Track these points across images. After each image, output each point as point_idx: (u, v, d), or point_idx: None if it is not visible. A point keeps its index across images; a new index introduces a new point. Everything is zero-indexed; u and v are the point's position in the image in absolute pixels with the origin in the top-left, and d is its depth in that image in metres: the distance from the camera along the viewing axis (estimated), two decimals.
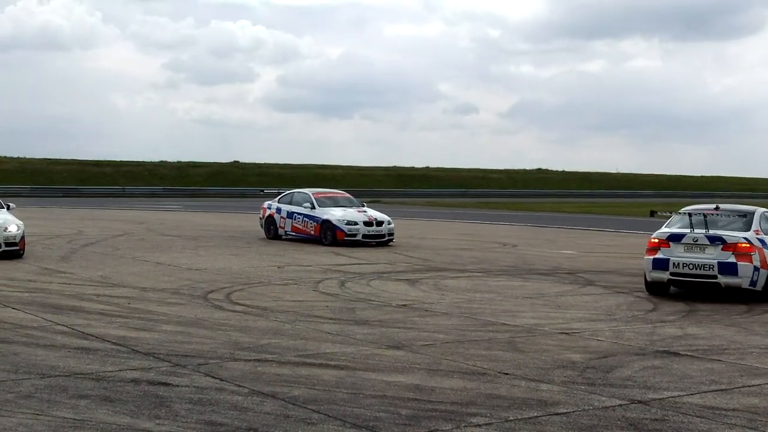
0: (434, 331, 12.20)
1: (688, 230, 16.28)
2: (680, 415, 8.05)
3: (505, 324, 12.96)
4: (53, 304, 13.91)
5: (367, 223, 26.68)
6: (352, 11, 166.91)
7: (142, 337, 11.32)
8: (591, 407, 8.26)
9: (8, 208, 22.42)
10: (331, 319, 13.12)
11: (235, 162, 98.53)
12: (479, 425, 7.57)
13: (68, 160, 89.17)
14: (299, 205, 27.90)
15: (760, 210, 17.03)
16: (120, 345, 10.74)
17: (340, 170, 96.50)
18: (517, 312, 14.20)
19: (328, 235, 26.53)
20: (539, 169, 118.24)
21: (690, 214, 16.64)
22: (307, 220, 27.39)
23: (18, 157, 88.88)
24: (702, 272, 15.85)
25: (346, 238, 26.26)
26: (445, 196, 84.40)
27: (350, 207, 27.82)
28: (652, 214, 20.92)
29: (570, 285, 18.02)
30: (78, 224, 34.27)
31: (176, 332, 11.73)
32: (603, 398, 8.61)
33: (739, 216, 16.85)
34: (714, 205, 17.36)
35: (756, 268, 15.74)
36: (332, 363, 9.97)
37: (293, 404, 8.12)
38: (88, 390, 8.50)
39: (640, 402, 8.49)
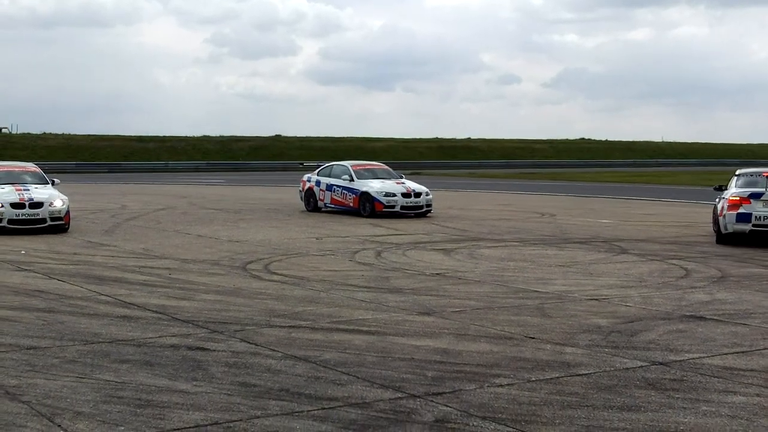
0: (465, 298, 12.49)
1: (764, 189, 19.50)
2: (699, 375, 8.28)
3: (536, 291, 13.21)
4: (97, 276, 14.36)
5: (405, 195, 26.95)
6: None
7: (181, 305, 11.72)
8: (612, 368, 8.51)
9: (53, 183, 22.99)
10: (365, 287, 13.45)
11: (278, 136, 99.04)
12: (501, 385, 7.86)
13: (112, 135, 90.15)
14: (338, 177, 28.24)
15: None
16: (160, 313, 11.14)
17: (381, 143, 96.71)
18: (549, 279, 14.43)
19: (367, 206, 26.85)
20: (583, 139, 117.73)
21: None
22: (345, 192, 27.72)
23: (63, 134, 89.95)
24: None
25: (384, 210, 26.56)
26: (487, 167, 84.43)
27: (388, 179, 28.11)
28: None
29: (605, 253, 18.20)
30: (121, 199, 34.89)
31: (215, 301, 12.12)
32: (625, 360, 8.86)
33: None
34: (766, 168, 20.94)
35: None
36: (364, 329, 10.30)
37: (324, 367, 8.46)
38: (129, 355, 8.89)
39: (661, 363, 8.73)
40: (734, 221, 19.55)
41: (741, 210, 19.44)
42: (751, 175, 20.56)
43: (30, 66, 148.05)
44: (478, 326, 10.51)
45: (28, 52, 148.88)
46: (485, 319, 10.97)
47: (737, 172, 21.28)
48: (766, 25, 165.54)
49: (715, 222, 21.37)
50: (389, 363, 8.64)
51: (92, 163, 74.71)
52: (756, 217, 19.28)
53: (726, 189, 21.06)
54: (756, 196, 19.45)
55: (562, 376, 8.20)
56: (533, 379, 8.12)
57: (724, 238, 19.97)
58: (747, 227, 19.43)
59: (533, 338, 9.88)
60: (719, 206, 20.37)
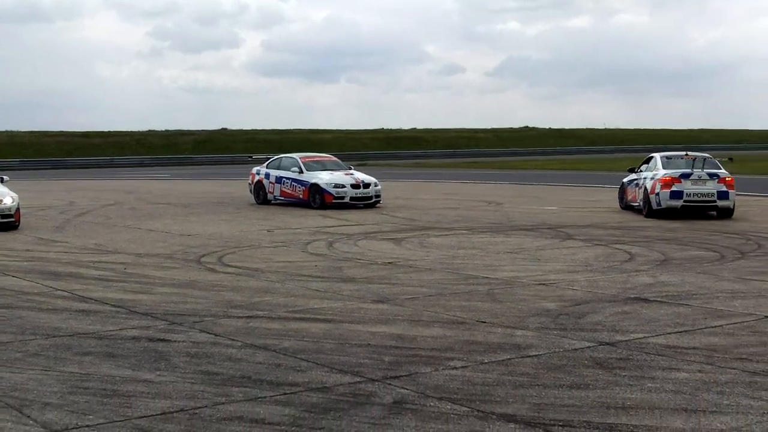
0: (417, 286, 12.79)
1: (691, 170, 22.80)
2: (644, 354, 8.65)
3: (485, 277, 13.55)
4: (52, 272, 14.45)
5: (355, 186, 27.20)
6: None
7: (139, 299, 11.89)
8: (561, 349, 8.85)
9: (2, 180, 22.89)
10: (319, 277, 13.70)
11: (223, 129, 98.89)
12: (456, 368, 8.16)
13: (56, 132, 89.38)
14: (287, 169, 28.40)
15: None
16: (119, 307, 11.31)
17: (327, 134, 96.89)
18: (498, 266, 14.79)
19: (317, 198, 27.07)
20: (526, 127, 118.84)
21: (695, 159, 23.44)
22: (295, 184, 27.91)
23: (6, 131, 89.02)
24: (706, 199, 22.68)
25: (334, 201, 26.80)
26: (433, 157, 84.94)
27: (337, 170, 28.33)
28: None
29: (551, 239, 18.61)
30: (69, 195, 34.75)
31: (172, 294, 12.30)
32: (573, 341, 9.21)
33: (708, 159, 23.73)
34: (684, 153, 24.67)
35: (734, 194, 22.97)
36: (320, 317, 10.55)
37: (284, 354, 8.70)
38: (91, 348, 9.06)
39: (607, 344, 9.09)
40: (668, 198, 22.60)
41: (674, 188, 22.60)
42: (678, 158, 24.11)
43: None
44: (431, 312, 10.81)
45: None
46: (438, 305, 11.28)
47: (662, 155, 24.52)
48: (705, 12, 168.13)
49: (622, 199, 25.83)
50: (347, 349, 8.91)
51: (37, 160, 74.05)
52: (687, 194, 22.53)
53: (639, 171, 24.70)
54: (686, 176, 22.70)
55: (513, 358, 8.52)
56: (486, 361, 8.43)
57: (655, 213, 22.84)
58: (679, 203, 22.60)
59: (484, 322, 10.20)
60: (648, 185, 23.22)
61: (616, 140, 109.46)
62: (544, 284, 12.88)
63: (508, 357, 8.56)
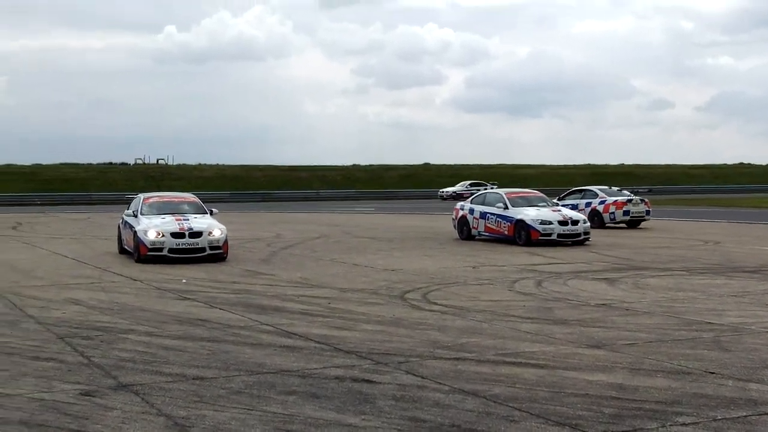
0: (635, 331, 11.96)
1: (632, 197, 34.98)
2: None
3: (709, 323, 12.56)
4: (257, 305, 14.39)
5: (562, 222, 26.35)
6: (539, 9, 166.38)
7: (343, 335, 11.57)
8: None
9: (211, 213, 23.37)
10: (528, 318, 13.05)
11: (426, 164, 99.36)
12: (686, 424, 7.39)
13: (264, 165, 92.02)
14: (492, 205, 27.85)
15: None
16: (323, 343, 11.01)
17: (531, 170, 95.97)
18: (722, 311, 13.74)
19: (522, 234, 26.35)
20: (741, 164, 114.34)
21: (631, 190, 37.39)
22: (500, 220, 27.31)
23: (217, 164, 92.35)
24: (641, 215, 34.68)
25: (540, 238, 26.03)
26: (642, 194, 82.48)
27: (544, 206, 27.57)
28: None
29: None
30: (275, 228, 35.32)
31: (376, 331, 11.93)
32: None
33: (630, 190, 37.02)
34: (618, 188, 37.43)
35: None
36: (532, 362, 9.92)
37: (494, 402, 8.13)
38: (294, 386, 8.76)
39: None
40: (621, 215, 34.17)
41: (624, 209, 34.17)
42: (617, 190, 36.17)
43: (184, 99, 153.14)
44: (653, 360, 10.00)
45: (182, 86, 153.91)
46: (659, 352, 10.45)
47: (602, 188, 36.20)
48: None
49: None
50: (562, 398, 8.26)
51: (246, 192, 76.28)
52: (632, 212, 34.32)
53: (564, 199, 34.96)
54: (629, 201, 34.56)
55: (751, 415, 7.67)
56: (719, 417, 7.62)
57: (606, 226, 33.64)
58: (628, 218, 34.21)
59: (713, 373, 9.33)
60: (600, 207, 34.36)
61: None
62: None
63: (745, 414, 7.71)
